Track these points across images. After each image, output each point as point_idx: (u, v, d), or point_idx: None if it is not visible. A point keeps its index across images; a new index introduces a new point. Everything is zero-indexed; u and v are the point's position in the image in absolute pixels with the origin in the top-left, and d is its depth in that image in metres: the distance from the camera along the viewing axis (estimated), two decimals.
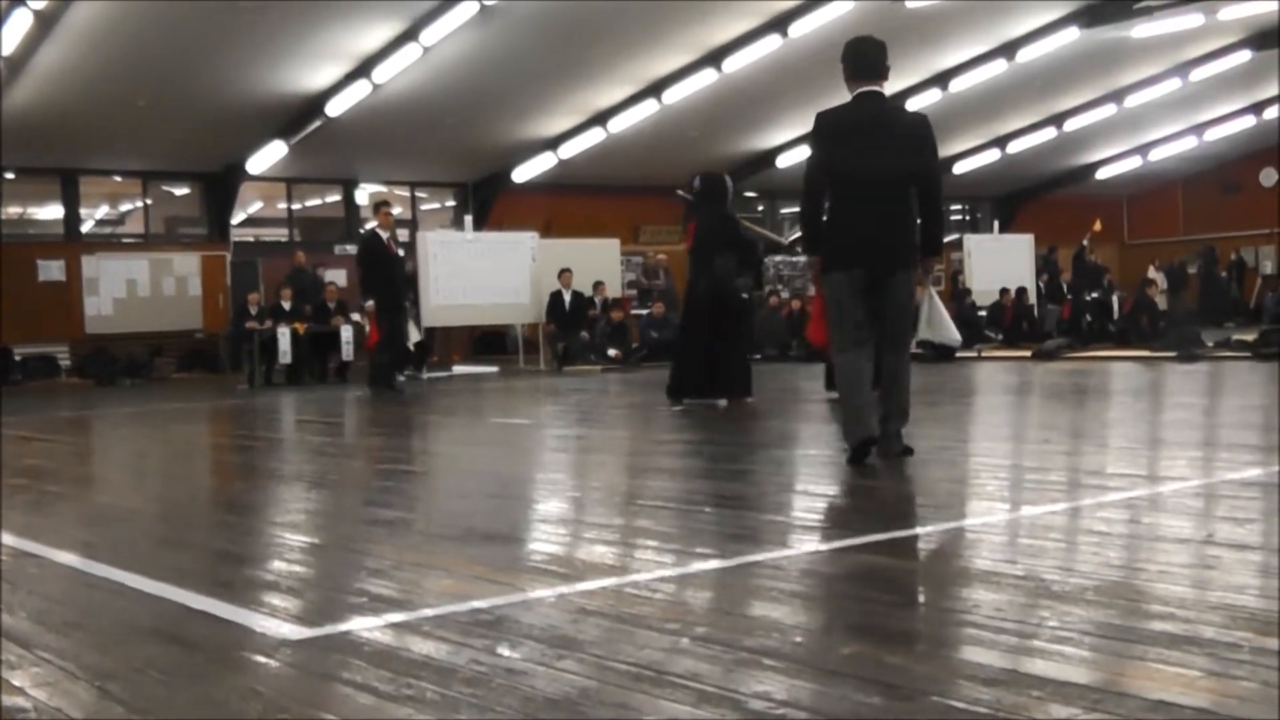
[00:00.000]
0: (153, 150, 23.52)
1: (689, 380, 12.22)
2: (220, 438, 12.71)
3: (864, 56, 7.47)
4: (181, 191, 26.35)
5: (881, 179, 7.23)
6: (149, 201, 25.65)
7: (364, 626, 3.93)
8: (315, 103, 22.16)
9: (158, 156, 24.12)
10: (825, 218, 7.34)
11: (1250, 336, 18.87)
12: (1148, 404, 11.95)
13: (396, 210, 28.35)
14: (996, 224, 33.14)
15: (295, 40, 19.72)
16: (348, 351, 20.45)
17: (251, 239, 26.73)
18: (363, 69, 21.09)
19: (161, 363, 23.61)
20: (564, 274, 22.16)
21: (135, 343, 23.35)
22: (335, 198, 27.74)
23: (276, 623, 4.05)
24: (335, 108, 22.09)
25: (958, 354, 17.33)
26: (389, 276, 16.21)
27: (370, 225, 18.67)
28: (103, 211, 25.88)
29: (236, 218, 26.13)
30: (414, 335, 19.59)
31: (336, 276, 23.87)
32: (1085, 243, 29.63)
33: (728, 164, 29.49)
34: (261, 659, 3.65)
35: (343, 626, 3.96)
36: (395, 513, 6.81)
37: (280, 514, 6.90)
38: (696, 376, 12.14)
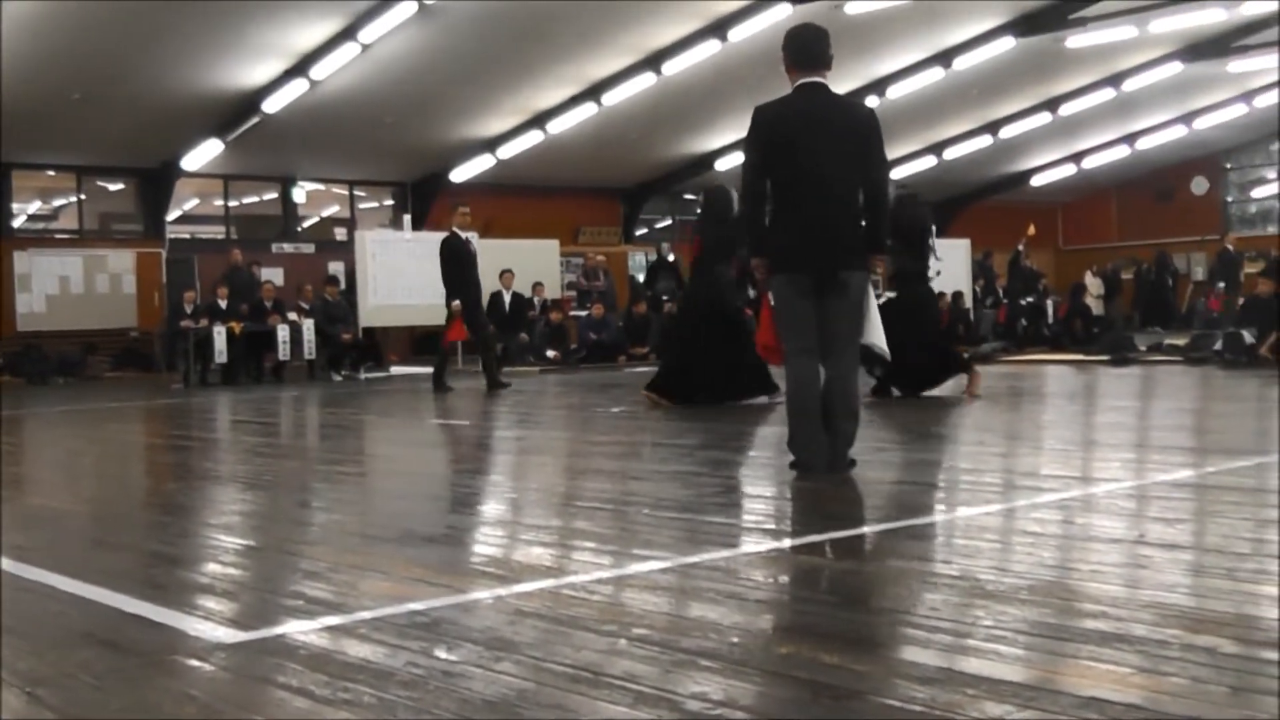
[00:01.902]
0: (87, 145, 23.28)
1: (691, 384, 12.32)
2: (155, 438, 12.61)
3: (805, 45, 7.05)
4: (116, 187, 26.08)
5: (825, 175, 6.86)
6: (83, 197, 25.36)
7: (300, 629, 3.91)
8: (252, 100, 22.00)
9: (92, 151, 23.88)
10: (768, 217, 7.02)
11: (1182, 341, 19.09)
12: (1081, 407, 12.07)
13: (334, 209, 28.49)
14: (933, 229, 33.30)
15: (233, 36, 19.58)
16: (284, 351, 20.33)
17: (187, 236, 26.51)
18: (301, 66, 20.96)
19: (95, 361, 23.36)
20: (505, 275, 22.13)
21: (68, 341, 23.11)
22: (272, 195, 27.54)
23: (211, 626, 4.02)
24: (273, 105, 21.94)
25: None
26: (471, 276, 16.14)
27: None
28: (35, 207, 25.60)
29: (172, 214, 25.89)
30: None
31: (273, 275, 23.72)
32: (1021, 248, 29.87)
33: (667, 167, 29.61)
34: (196, 663, 3.63)
35: (278, 630, 3.94)
36: (331, 514, 6.78)
37: (215, 516, 6.85)
38: (703, 381, 12.25)
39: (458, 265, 16.03)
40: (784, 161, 6.94)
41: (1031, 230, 29.61)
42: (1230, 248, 28.77)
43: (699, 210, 13.00)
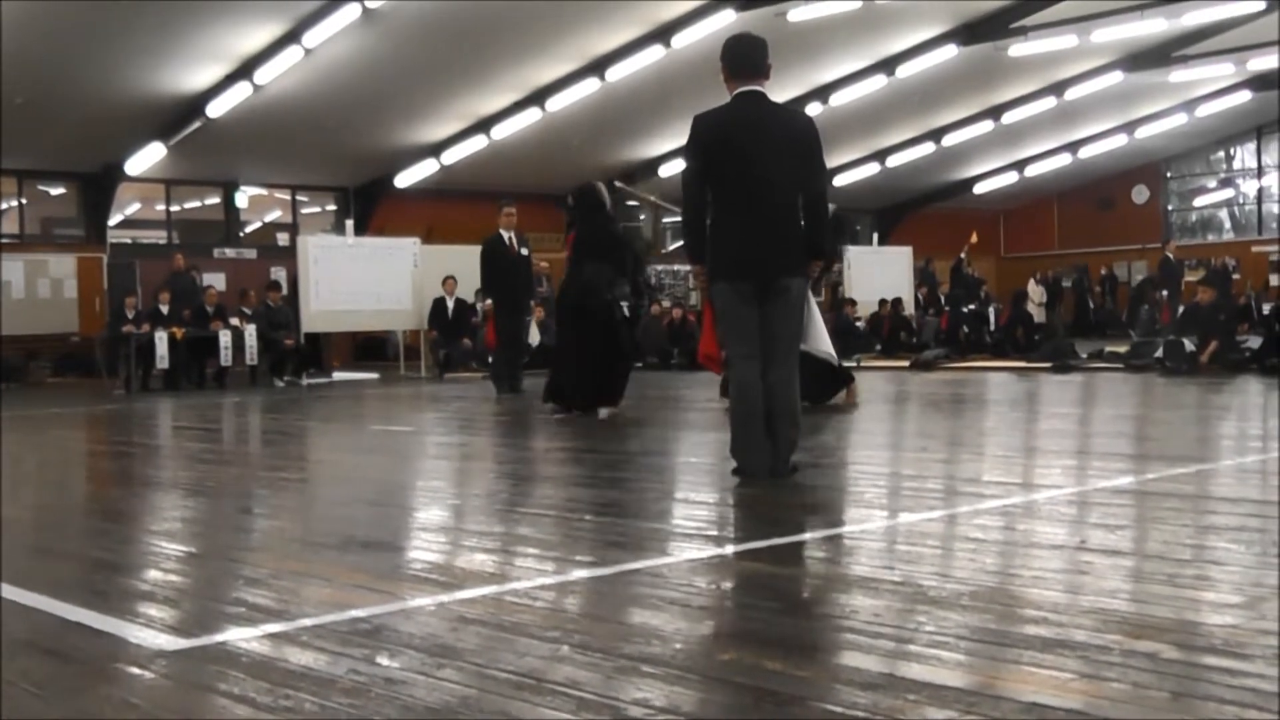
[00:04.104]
0: (29, 149, 23.02)
1: (564, 388, 12.15)
2: (96, 444, 12.49)
3: (742, 55, 7.06)
4: (58, 191, 25.87)
5: (765, 184, 6.89)
6: (24, 201, 25.14)
7: (241, 637, 3.89)
8: (195, 103, 21.88)
9: (34, 155, 23.63)
10: (709, 224, 7.02)
11: (1122, 349, 19.26)
12: (1023, 414, 12.15)
13: (277, 214, 28.34)
14: (876, 236, 33.54)
15: (175, 40, 19.45)
16: (226, 357, 20.18)
17: (129, 241, 26.32)
18: (244, 70, 20.86)
19: (36, 367, 23.13)
20: (448, 281, 22.06)
21: (9, 346, 22.81)
22: (215, 200, 27.39)
23: (152, 633, 3.99)
24: (216, 109, 21.84)
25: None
26: (510, 277, 15.97)
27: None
28: None
29: (114, 219, 25.70)
30: (535, 336, 19.56)
31: (215, 280, 23.57)
32: (963, 255, 30.09)
33: (611, 172, 29.55)
34: (137, 670, 3.60)
35: (219, 637, 3.91)
36: (273, 521, 6.75)
37: (157, 522, 6.79)
38: (570, 384, 12.08)
39: (492, 264, 15.93)
40: (724, 169, 6.97)
41: (974, 239, 29.85)
42: (1171, 256, 29.09)
43: (570, 209, 12.73)
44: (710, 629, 3.97)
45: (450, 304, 22.18)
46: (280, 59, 20.36)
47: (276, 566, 5.06)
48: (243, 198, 27.46)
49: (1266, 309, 26.72)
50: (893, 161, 32.13)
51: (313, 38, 19.72)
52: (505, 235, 15.95)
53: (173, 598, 4.68)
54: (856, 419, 11.14)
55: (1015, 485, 6.94)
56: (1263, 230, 36.28)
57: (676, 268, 31.34)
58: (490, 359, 17.29)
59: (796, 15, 21.30)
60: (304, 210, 28.82)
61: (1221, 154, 37.95)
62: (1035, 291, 31.89)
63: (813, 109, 25.68)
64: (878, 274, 27.91)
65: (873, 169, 32.21)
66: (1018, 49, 25.11)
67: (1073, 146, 34.56)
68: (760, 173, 6.92)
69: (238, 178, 26.91)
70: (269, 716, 3.11)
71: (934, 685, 3.15)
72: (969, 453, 8.90)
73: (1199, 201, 38.83)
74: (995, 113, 30.43)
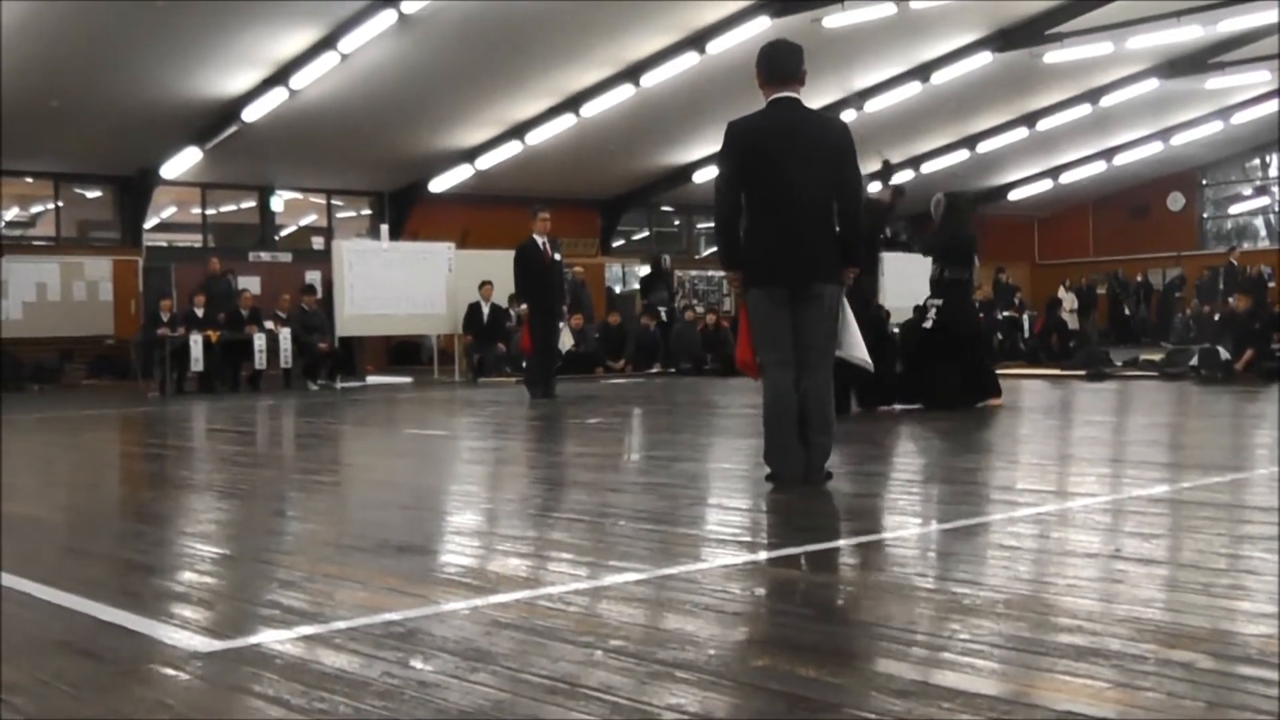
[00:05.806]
0: (65, 152, 23.21)
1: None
2: (130, 446, 12.55)
3: (778, 60, 7.08)
4: (94, 194, 26.02)
5: (799, 189, 6.89)
6: (61, 204, 25.31)
7: (275, 639, 3.90)
8: (232, 108, 21.97)
9: (70, 158, 23.81)
10: (743, 230, 7.03)
11: (1157, 356, 19.16)
12: (1057, 421, 12.09)
13: (312, 218, 28.45)
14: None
15: (212, 44, 19.55)
16: (260, 360, 20.27)
17: (165, 244, 26.46)
18: (280, 75, 20.94)
19: (71, 368, 23.27)
20: (485, 286, 22.11)
21: (44, 347, 23.00)
22: (250, 204, 27.52)
23: (186, 635, 4.00)
24: (252, 113, 21.92)
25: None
26: (543, 282, 16.08)
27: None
28: (13, 213, 25.48)
29: (150, 222, 25.84)
30: (567, 342, 19.68)
31: (250, 284, 23.67)
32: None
33: (644, 179, 29.64)
34: (171, 671, 3.61)
35: (253, 639, 3.92)
36: (307, 524, 6.77)
37: (191, 524, 6.82)
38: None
39: (525, 269, 16.03)
40: (758, 175, 6.97)
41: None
42: (1235, 262, 28.91)
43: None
44: (744, 635, 3.96)
45: (486, 309, 22.23)
46: (316, 64, 20.44)
47: (310, 569, 5.08)
48: (278, 202, 27.59)
49: None
50: (927, 168, 32.04)
51: (349, 43, 19.79)
52: (539, 240, 16.01)
53: (207, 599, 4.70)
54: (890, 427, 11.11)
55: (1049, 493, 6.91)
56: None
57: (711, 274, 31.36)
58: (525, 364, 17.43)
59: (832, 21, 21.26)
60: (339, 214, 28.93)
61: (1257, 161, 37.70)
62: (1067, 299, 31.75)
63: (847, 115, 25.64)
64: (911, 280, 27.79)
65: (907, 175, 32.10)
66: (1053, 56, 25.02)
67: (1108, 153, 34.41)
68: (793, 179, 6.91)
69: (273, 182, 27.04)
70: (302, 718, 3.11)
71: (968, 693, 3.14)
72: (1003, 460, 8.87)
73: (1234, 209, 38.59)
74: (1030, 119, 30.32)
